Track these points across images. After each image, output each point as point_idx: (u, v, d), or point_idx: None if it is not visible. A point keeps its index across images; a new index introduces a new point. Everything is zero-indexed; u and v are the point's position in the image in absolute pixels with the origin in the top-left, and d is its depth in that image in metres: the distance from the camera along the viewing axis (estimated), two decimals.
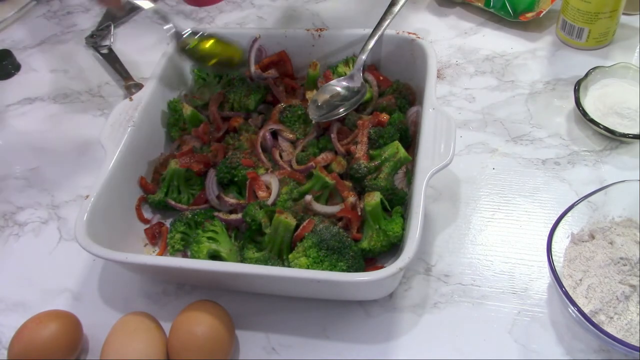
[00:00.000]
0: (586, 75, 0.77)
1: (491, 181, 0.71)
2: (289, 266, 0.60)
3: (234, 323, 0.59)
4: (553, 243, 0.58)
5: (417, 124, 0.69)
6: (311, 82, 0.76)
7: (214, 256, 0.63)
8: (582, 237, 0.61)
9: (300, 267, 0.59)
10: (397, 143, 0.66)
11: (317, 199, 0.64)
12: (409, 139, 0.71)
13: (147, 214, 0.70)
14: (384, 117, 0.69)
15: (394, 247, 0.62)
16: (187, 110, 0.73)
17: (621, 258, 0.58)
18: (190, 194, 0.71)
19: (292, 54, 0.79)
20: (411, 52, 0.73)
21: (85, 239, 0.59)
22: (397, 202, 0.64)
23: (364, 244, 0.61)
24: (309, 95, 0.74)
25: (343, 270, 0.58)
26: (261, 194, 0.66)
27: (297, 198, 0.65)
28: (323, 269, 0.58)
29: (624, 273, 0.57)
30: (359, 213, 0.64)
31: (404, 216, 0.62)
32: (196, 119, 0.74)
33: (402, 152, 0.65)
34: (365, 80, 0.74)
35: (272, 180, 0.66)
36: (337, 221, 0.64)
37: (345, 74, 0.74)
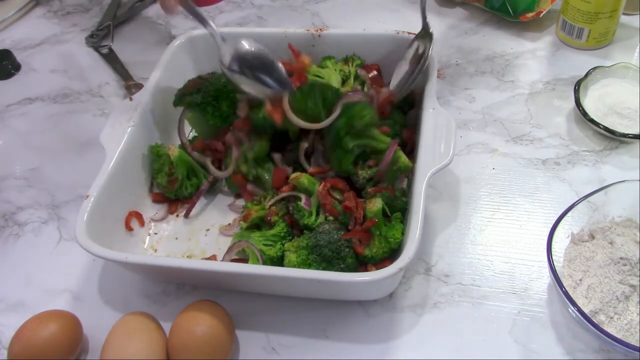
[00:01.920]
0: (586, 75, 0.77)
1: (491, 181, 0.71)
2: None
3: (234, 323, 0.59)
4: (553, 243, 0.58)
5: (417, 124, 0.69)
6: None
7: None
8: (582, 237, 0.61)
9: (290, 261, 0.60)
10: (398, 150, 0.65)
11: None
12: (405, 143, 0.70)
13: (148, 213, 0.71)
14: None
15: (394, 253, 0.62)
16: (174, 152, 0.70)
17: (621, 258, 0.58)
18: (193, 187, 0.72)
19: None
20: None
21: (85, 239, 0.59)
22: (397, 208, 0.64)
23: (366, 252, 0.61)
24: None
25: None
26: None
27: None
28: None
29: (624, 273, 0.57)
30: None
31: (403, 222, 0.62)
32: (185, 162, 0.71)
33: (403, 160, 0.64)
34: (362, 81, 0.74)
35: None
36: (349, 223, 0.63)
37: (343, 71, 0.74)
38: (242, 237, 0.65)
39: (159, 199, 0.72)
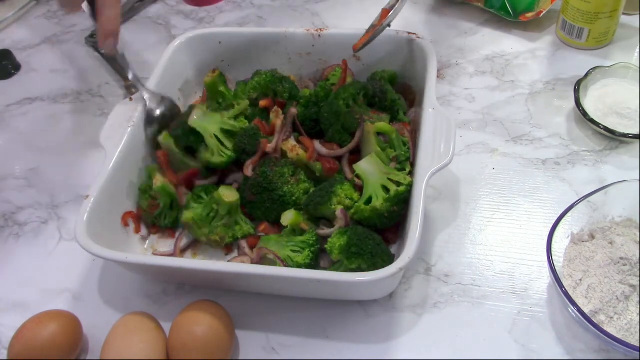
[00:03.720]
0: (586, 75, 0.77)
1: (491, 181, 0.71)
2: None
3: (234, 323, 0.59)
4: (553, 243, 0.58)
5: (417, 124, 0.69)
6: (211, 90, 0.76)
7: None
8: (582, 237, 0.61)
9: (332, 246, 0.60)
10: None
11: None
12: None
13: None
14: None
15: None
16: (158, 182, 0.67)
17: (621, 258, 0.58)
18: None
19: (292, 54, 0.79)
20: (411, 52, 0.73)
21: (85, 239, 0.59)
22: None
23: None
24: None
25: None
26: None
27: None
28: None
29: (624, 273, 0.57)
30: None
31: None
32: (169, 193, 0.68)
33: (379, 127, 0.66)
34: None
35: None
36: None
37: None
38: (267, 244, 0.63)
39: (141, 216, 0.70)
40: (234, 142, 0.69)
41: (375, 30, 0.71)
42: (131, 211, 0.68)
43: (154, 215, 0.68)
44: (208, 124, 0.69)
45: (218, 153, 0.68)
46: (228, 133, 0.70)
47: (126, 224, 0.67)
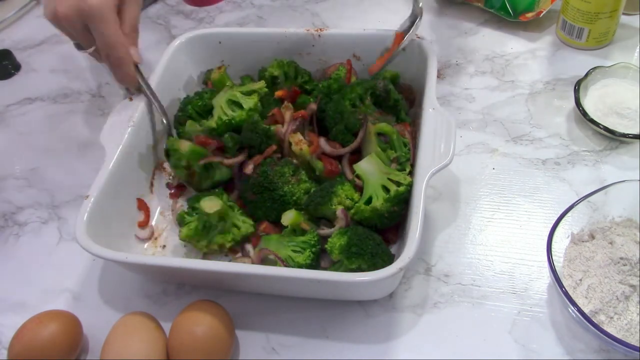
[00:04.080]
0: (586, 75, 0.77)
1: (491, 181, 0.71)
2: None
3: (234, 323, 0.59)
4: (553, 243, 0.58)
5: (417, 124, 0.69)
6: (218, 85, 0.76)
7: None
8: (582, 237, 0.61)
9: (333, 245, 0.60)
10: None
11: None
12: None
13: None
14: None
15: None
16: (185, 147, 0.68)
17: (621, 258, 0.58)
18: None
19: (292, 54, 0.79)
20: (411, 52, 0.73)
21: (85, 239, 0.59)
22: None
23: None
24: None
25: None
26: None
27: None
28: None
29: (624, 273, 0.57)
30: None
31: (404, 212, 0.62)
32: (199, 154, 0.68)
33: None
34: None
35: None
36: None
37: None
38: (268, 243, 0.63)
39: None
40: (237, 110, 0.71)
41: (390, 55, 0.72)
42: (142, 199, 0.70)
43: (195, 181, 0.69)
44: (221, 98, 0.72)
45: (217, 119, 0.70)
46: (233, 103, 0.71)
47: (142, 208, 0.69)
